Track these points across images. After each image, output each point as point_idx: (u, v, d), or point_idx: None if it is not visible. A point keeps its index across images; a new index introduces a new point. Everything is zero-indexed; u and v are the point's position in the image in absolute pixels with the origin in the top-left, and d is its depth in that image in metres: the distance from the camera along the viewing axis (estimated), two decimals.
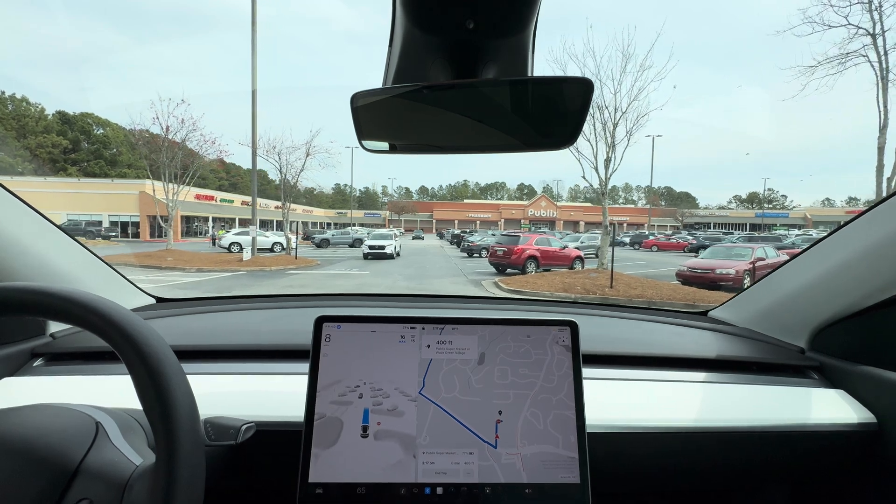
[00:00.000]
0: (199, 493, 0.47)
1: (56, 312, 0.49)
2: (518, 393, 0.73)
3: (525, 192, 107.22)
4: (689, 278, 10.33)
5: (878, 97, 9.67)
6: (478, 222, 61.49)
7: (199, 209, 34.89)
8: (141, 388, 0.48)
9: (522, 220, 59.01)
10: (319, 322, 0.74)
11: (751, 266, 9.90)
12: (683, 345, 1.12)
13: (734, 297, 1.32)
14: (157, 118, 16.80)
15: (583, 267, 14.30)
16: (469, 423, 0.71)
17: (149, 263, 13.10)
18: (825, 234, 1.03)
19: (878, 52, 9.45)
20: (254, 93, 14.45)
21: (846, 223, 0.95)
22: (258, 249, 18.89)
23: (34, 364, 0.95)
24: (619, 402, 0.89)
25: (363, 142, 0.75)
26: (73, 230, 1.66)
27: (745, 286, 1.36)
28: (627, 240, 30.44)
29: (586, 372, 0.77)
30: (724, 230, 48.09)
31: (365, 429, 0.70)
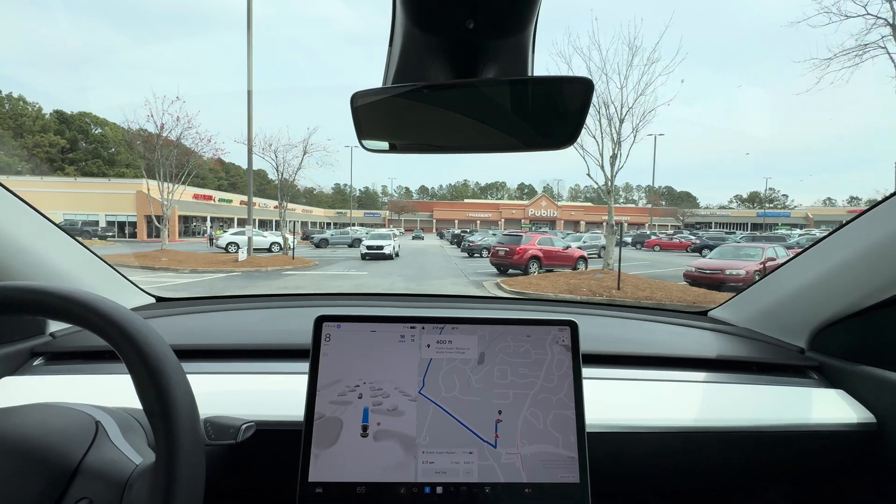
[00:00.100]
0: (198, 493, 0.47)
1: (56, 312, 0.49)
2: (518, 393, 0.72)
3: (525, 191, 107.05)
4: (698, 279, 10.03)
5: None
6: (478, 222, 61.31)
7: (197, 209, 34.76)
8: (141, 387, 0.47)
9: (523, 220, 58.81)
10: (319, 321, 0.74)
11: (761, 266, 9.64)
12: (683, 345, 1.11)
13: (734, 296, 1.31)
14: (152, 116, 16.54)
15: (586, 267, 13.97)
16: (469, 422, 0.71)
17: (142, 264, 12.96)
18: (826, 233, 1.02)
19: None
20: (249, 93, 14.42)
21: (846, 223, 0.94)
22: (256, 250, 18.61)
23: (34, 363, 0.94)
24: (618, 402, 0.89)
25: (363, 141, 0.74)
26: (69, 230, 1.54)
27: None
28: (629, 239, 30.19)
29: (586, 372, 0.77)
30: (726, 230, 47.96)
31: (365, 428, 0.69)
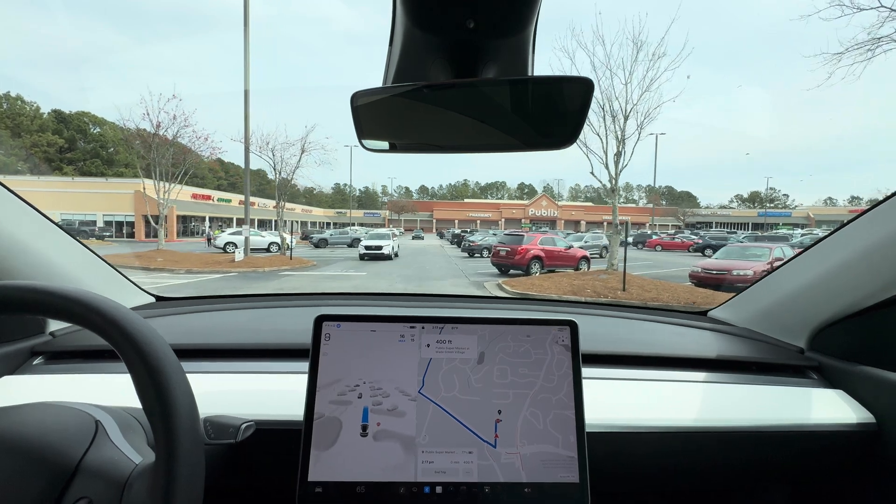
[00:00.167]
0: (198, 492, 0.47)
1: (56, 311, 0.49)
2: (518, 392, 0.72)
3: (525, 191, 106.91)
4: (704, 279, 9.81)
5: None
6: (478, 222, 61.16)
7: (196, 209, 34.64)
8: (140, 386, 0.47)
9: (523, 220, 58.66)
10: (319, 321, 0.74)
11: (769, 267, 9.41)
12: (683, 345, 1.11)
13: (734, 296, 1.31)
14: (148, 114, 16.30)
15: (588, 268, 13.77)
16: (468, 422, 0.71)
17: (137, 264, 12.75)
18: (827, 233, 1.02)
19: None
20: (246, 92, 14.35)
21: (846, 223, 0.95)
22: (254, 250, 18.38)
23: (34, 362, 0.94)
24: (618, 402, 0.88)
25: (363, 141, 0.74)
26: (66, 230, 1.47)
27: None
28: (630, 239, 29.99)
29: (586, 371, 0.76)
30: (728, 230, 47.83)
31: (364, 428, 0.69)
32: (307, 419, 0.69)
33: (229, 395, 0.85)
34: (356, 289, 10.21)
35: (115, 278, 1.22)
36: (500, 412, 0.71)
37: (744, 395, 0.94)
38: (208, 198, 37.34)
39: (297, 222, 46.61)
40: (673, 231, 43.13)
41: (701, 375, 0.99)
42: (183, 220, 33.39)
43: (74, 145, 47.26)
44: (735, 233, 35.68)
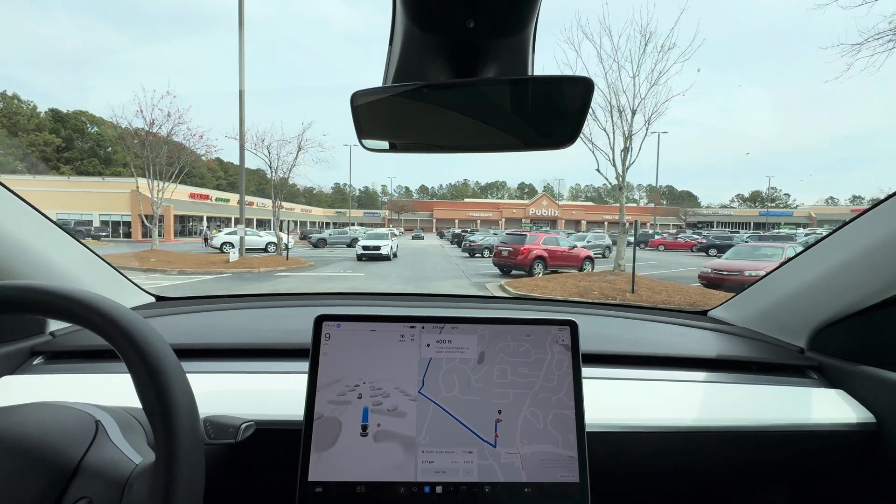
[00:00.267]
0: (198, 492, 0.47)
1: (57, 311, 0.49)
2: (518, 392, 0.72)
3: (526, 191, 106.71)
4: (715, 280, 9.43)
5: None
6: (478, 221, 60.94)
7: (193, 208, 34.45)
8: (141, 386, 0.47)
9: (523, 220, 58.43)
10: (319, 321, 0.74)
11: None
12: (683, 344, 1.11)
13: (734, 296, 1.31)
14: (141, 111, 15.93)
15: (592, 268, 13.43)
16: (468, 422, 0.70)
17: (130, 265, 12.40)
18: (827, 233, 1.02)
19: None
20: (241, 93, 14.30)
21: (846, 223, 0.94)
22: (253, 250, 18.04)
23: (34, 362, 0.94)
24: (618, 402, 0.88)
25: (363, 141, 0.74)
26: (65, 230, 1.30)
27: None
28: (632, 239, 29.60)
29: (586, 371, 0.76)
30: (731, 229, 47.59)
31: (364, 428, 0.69)
32: (307, 419, 0.69)
33: (229, 395, 0.84)
34: (355, 290, 9.96)
35: (115, 278, 1.21)
36: (500, 412, 0.71)
37: (744, 395, 0.94)
38: (206, 197, 37.13)
39: (296, 222, 46.35)
40: (675, 231, 42.89)
41: (701, 375, 0.99)
42: (181, 219, 33.23)
43: (72, 144, 46.98)
44: (737, 232, 35.48)
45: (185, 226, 33.57)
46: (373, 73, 0.94)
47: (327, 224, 53.02)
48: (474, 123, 0.71)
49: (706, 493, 1.10)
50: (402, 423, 0.70)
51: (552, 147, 0.72)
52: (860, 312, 0.94)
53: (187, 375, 0.51)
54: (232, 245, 16.93)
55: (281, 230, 18.76)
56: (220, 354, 0.97)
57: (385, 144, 0.75)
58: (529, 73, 0.70)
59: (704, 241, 25.19)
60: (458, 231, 35.70)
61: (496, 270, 13.19)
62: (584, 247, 15.18)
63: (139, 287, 1.30)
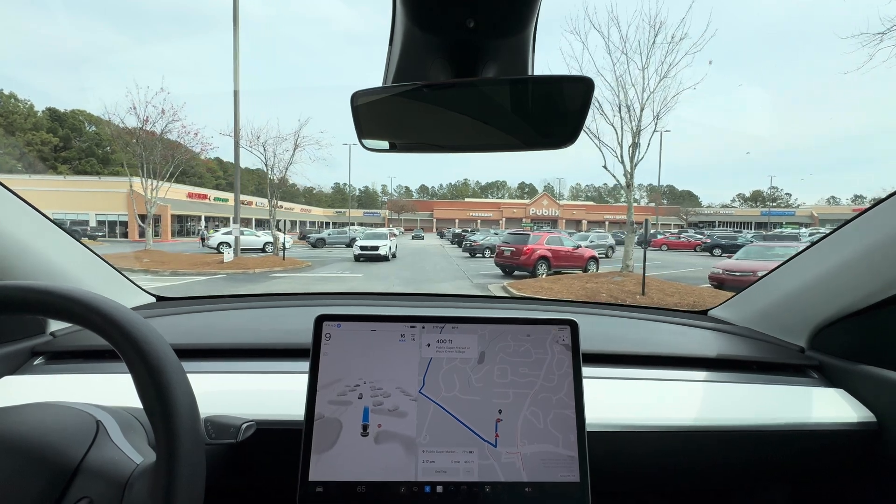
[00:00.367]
0: (199, 492, 0.47)
1: (57, 311, 0.49)
2: (518, 392, 0.72)
3: (526, 190, 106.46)
4: (726, 282, 9.02)
5: None
6: (479, 221, 60.68)
7: (191, 208, 34.19)
8: (141, 386, 0.47)
9: (524, 219, 58.15)
10: (320, 321, 0.74)
11: None
12: (683, 344, 1.11)
13: (734, 296, 1.30)
14: (135, 108, 15.56)
15: (597, 268, 13.06)
16: (469, 422, 0.70)
17: (121, 265, 11.87)
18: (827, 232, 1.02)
19: None
20: (236, 93, 14.18)
21: (846, 222, 0.94)
22: (250, 250, 17.68)
23: (34, 363, 0.94)
24: (618, 402, 0.88)
25: (363, 140, 0.74)
26: (65, 230, 1.22)
27: None
28: (635, 238, 29.29)
29: (586, 371, 0.76)
30: (733, 229, 47.29)
31: (365, 428, 0.69)
32: (308, 419, 0.69)
33: (230, 395, 0.84)
34: (354, 290, 9.58)
35: (115, 278, 1.21)
36: (500, 412, 0.71)
37: (744, 395, 0.94)
38: (204, 197, 36.86)
39: (295, 222, 46.04)
40: (676, 230, 42.62)
41: (701, 375, 0.99)
42: (179, 219, 32.95)
43: (69, 144, 46.69)
44: (741, 232, 35.20)
45: (183, 226, 33.34)
46: (373, 73, 0.95)
47: (327, 224, 52.76)
48: (474, 123, 0.70)
49: (706, 492, 1.10)
50: (402, 423, 0.70)
51: (552, 147, 0.71)
52: (860, 312, 0.94)
53: (188, 375, 0.51)
54: (228, 245, 16.58)
55: (278, 229, 18.36)
56: (221, 354, 0.97)
57: (385, 144, 0.75)
58: (529, 73, 0.70)
59: (708, 240, 24.85)
60: (458, 231, 35.49)
61: (498, 271, 12.86)
62: (587, 247, 14.79)
63: (139, 287, 1.29)
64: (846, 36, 7.08)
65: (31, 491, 0.47)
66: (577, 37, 10.64)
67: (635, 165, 10.14)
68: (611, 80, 10.23)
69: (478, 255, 18.80)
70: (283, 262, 14.02)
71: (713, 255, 21.83)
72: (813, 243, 1.03)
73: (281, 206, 18.39)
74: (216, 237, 19.35)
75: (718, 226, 55.91)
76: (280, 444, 0.77)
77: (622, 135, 10.12)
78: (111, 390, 0.84)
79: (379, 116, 0.71)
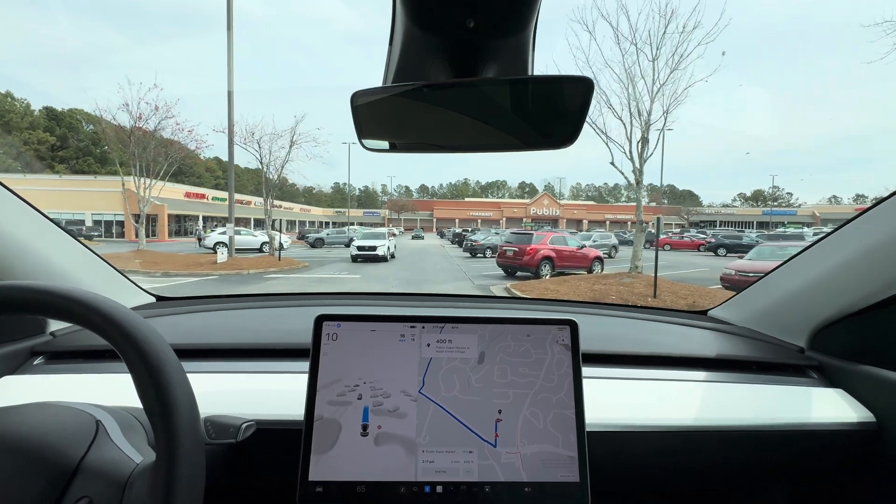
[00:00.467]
0: (199, 492, 0.48)
1: (57, 311, 0.49)
2: (518, 392, 0.72)
3: (527, 190, 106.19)
4: (740, 283, 8.64)
5: None
6: (479, 221, 60.39)
7: (189, 208, 33.89)
8: (141, 386, 0.48)
9: (524, 219, 57.81)
10: (319, 321, 0.74)
11: None
12: (683, 344, 1.11)
13: (734, 296, 1.31)
14: (127, 105, 15.18)
15: (602, 269, 12.70)
16: (469, 422, 0.70)
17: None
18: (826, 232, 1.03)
19: None
20: (230, 94, 14.16)
21: (847, 222, 0.94)
22: (248, 250, 17.31)
23: (34, 362, 0.94)
24: (618, 402, 0.88)
25: (363, 140, 0.74)
26: (65, 230, 1.09)
27: None
28: (643, 238, 28.90)
29: (586, 371, 0.76)
30: (736, 228, 46.98)
31: (365, 428, 0.69)
32: (308, 419, 0.69)
33: (230, 394, 0.84)
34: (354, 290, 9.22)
35: (115, 278, 1.21)
36: (500, 412, 0.71)
37: (744, 395, 0.94)
38: (202, 196, 36.57)
39: (295, 221, 45.69)
40: (678, 230, 42.33)
41: (701, 375, 0.99)
42: (177, 219, 32.62)
43: (66, 143, 46.31)
44: (743, 231, 34.91)
45: (181, 226, 33.02)
46: (373, 73, 0.94)
47: (327, 224, 52.43)
48: (474, 123, 0.70)
49: (706, 492, 1.09)
50: (402, 423, 0.70)
51: (552, 147, 0.71)
52: (860, 312, 0.94)
53: (188, 375, 0.51)
54: (224, 245, 16.22)
55: (274, 229, 17.95)
56: (221, 354, 0.97)
57: (385, 144, 0.75)
58: (529, 73, 0.70)
59: (713, 240, 24.49)
60: (458, 230, 35.16)
61: (500, 272, 12.56)
62: (590, 247, 14.41)
63: (139, 287, 1.29)
64: (869, 24, 6.75)
65: (30, 490, 0.47)
66: (583, 26, 10.22)
67: (644, 162, 9.75)
68: (619, 73, 9.88)
69: (479, 255, 18.47)
70: (279, 263, 13.69)
71: (717, 255, 21.51)
72: (813, 243, 1.03)
73: (280, 206, 17.99)
74: (212, 237, 19.02)
75: (720, 225, 55.67)
76: (280, 443, 0.76)
77: (631, 129, 9.75)
78: (111, 390, 0.84)
79: (379, 116, 0.71)
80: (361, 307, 1.35)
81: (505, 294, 8.89)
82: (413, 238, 38.54)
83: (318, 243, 25.02)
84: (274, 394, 0.84)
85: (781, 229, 40.29)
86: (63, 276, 1.00)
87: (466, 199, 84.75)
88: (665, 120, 9.77)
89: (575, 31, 10.02)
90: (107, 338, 0.48)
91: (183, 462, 0.45)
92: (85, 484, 0.48)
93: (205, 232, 24.50)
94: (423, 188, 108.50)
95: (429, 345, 0.73)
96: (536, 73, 0.69)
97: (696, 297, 7.44)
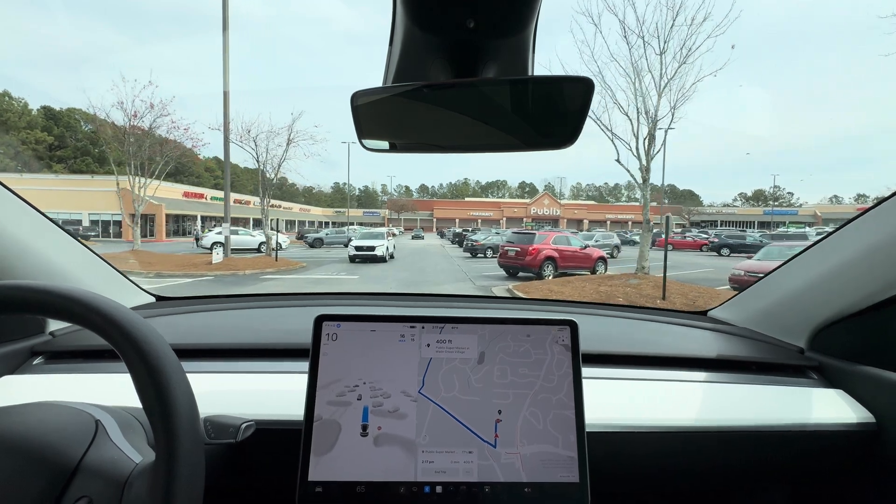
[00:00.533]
0: (198, 492, 0.48)
1: (57, 311, 0.49)
2: (518, 392, 0.72)
3: (527, 190, 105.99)
4: (749, 283, 8.41)
5: None
6: (479, 221, 60.14)
7: (187, 207, 33.64)
8: (141, 386, 0.48)
9: (525, 219, 57.52)
10: (319, 321, 0.74)
11: None
12: (683, 344, 1.11)
13: (734, 296, 1.31)
14: (122, 103, 14.91)
15: (605, 269, 12.44)
16: (468, 422, 0.70)
17: None
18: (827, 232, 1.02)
19: None
20: (226, 94, 13.99)
21: (847, 222, 0.94)
22: (245, 250, 17.04)
23: (34, 362, 0.94)
24: (618, 402, 0.88)
25: (363, 141, 0.74)
26: (65, 230, 1.06)
27: None
28: (637, 238, 28.66)
29: (586, 371, 0.76)
30: (738, 228, 46.75)
31: (364, 428, 0.69)
32: (307, 419, 0.69)
33: (229, 394, 0.84)
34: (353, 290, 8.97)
35: (115, 278, 1.21)
36: (500, 412, 0.71)
37: (744, 395, 0.94)
38: (201, 196, 36.32)
39: (294, 221, 45.43)
40: (680, 230, 42.11)
41: (701, 375, 0.99)
42: (175, 219, 32.37)
43: (64, 142, 46.05)
44: (745, 231, 34.70)
45: (179, 225, 32.78)
46: (373, 73, 0.95)
47: (327, 223, 52.20)
48: (474, 123, 0.70)
49: (706, 493, 1.09)
50: (402, 423, 0.69)
51: (552, 147, 0.71)
52: (860, 312, 0.93)
53: (187, 375, 0.51)
54: (222, 245, 15.97)
55: (271, 229, 17.66)
56: (220, 354, 0.97)
57: (385, 144, 0.75)
58: (529, 73, 0.70)
59: (715, 240, 24.23)
60: (459, 230, 34.90)
61: (501, 272, 12.35)
62: (593, 246, 14.15)
63: (139, 287, 1.30)
64: (886, 15, 6.51)
65: (30, 490, 0.47)
66: (588, 18, 9.90)
67: (651, 159, 9.48)
68: (626, 67, 9.62)
69: (479, 255, 18.24)
70: (276, 263, 13.48)
71: (721, 254, 21.24)
72: (813, 243, 1.03)
73: (279, 206, 17.71)
74: (210, 237, 18.77)
75: (721, 225, 55.46)
76: (279, 443, 0.76)
77: (638, 125, 9.48)
78: (110, 390, 0.84)
79: (379, 116, 0.71)
80: (361, 307, 1.35)
81: (508, 294, 8.64)
82: (413, 238, 38.40)
83: (316, 243, 24.84)
84: (273, 394, 0.85)
85: (783, 229, 40.05)
86: (63, 276, 1.00)
87: (466, 199, 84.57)
88: (672, 116, 9.50)
89: (580, 23, 9.68)
90: (106, 338, 0.48)
91: (182, 462, 0.45)
92: (84, 483, 0.48)
93: (202, 232, 24.24)
94: (423, 188, 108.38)
95: (429, 345, 0.74)
96: (537, 73, 0.69)
97: (707, 299, 7.18)
